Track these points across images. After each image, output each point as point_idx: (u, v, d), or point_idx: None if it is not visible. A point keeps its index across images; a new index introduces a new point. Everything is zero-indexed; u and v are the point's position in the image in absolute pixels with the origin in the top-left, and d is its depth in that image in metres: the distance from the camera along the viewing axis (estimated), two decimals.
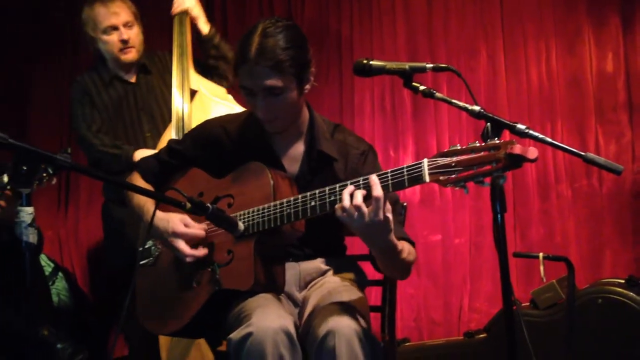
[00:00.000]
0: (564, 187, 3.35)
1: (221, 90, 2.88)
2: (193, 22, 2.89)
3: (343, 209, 1.60)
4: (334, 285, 1.90)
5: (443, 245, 3.49)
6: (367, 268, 2.04)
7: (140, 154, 2.65)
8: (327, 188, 1.70)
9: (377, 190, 1.58)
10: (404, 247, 1.76)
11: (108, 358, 3.37)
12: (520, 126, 1.55)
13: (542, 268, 2.56)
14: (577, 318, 2.62)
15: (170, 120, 2.79)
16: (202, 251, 1.86)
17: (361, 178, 1.64)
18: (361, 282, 2.00)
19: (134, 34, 2.82)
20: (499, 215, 1.52)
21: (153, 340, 2.60)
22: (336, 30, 3.77)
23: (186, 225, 1.86)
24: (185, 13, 2.87)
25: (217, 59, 2.91)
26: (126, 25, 2.79)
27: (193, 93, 2.81)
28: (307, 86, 1.86)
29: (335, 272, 1.98)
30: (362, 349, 1.67)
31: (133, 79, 2.88)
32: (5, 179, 2.26)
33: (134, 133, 2.80)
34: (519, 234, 3.39)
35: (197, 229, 1.87)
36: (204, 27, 2.90)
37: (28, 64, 4.03)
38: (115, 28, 2.78)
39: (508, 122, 1.56)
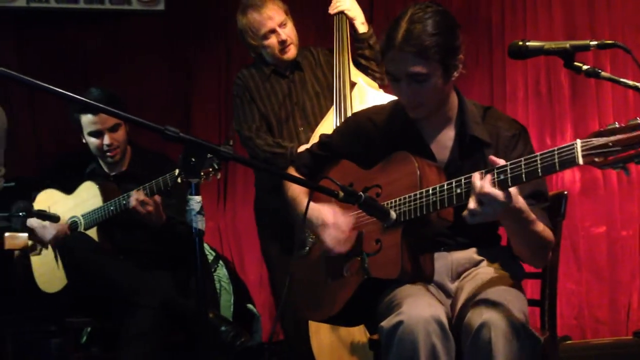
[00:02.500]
0: None
1: (375, 84, 2.91)
2: (351, 21, 2.92)
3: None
4: (488, 277, 1.84)
5: (608, 238, 3.28)
6: None
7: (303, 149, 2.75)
8: (472, 174, 1.65)
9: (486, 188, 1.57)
10: (539, 223, 1.72)
11: (268, 343, 3.58)
12: None
13: None
14: None
15: (320, 115, 2.86)
16: (346, 246, 1.89)
17: (509, 163, 1.59)
18: (517, 274, 1.92)
19: (290, 31, 2.88)
20: None
21: (304, 326, 2.71)
22: (486, 15, 3.65)
23: (335, 216, 1.90)
24: (342, 13, 2.90)
25: (370, 60, 2.92)
26: (281, 25, 2.85)
27: (352, 85, 2.86)
28: (455, 73, 1.82)
29: (489, 263, 1.91)
30: (520, 343, 1.60)
31: (288, 73, 2.97)
32: (176, 172, 2.47)
33: (287, 128, 2.90)
34: None
35: (346, 219, 1.89)
36: (361, 27, 2.91)
37: (192, 52, 4.29)
38: (272, 31, 2.84)
39: None
